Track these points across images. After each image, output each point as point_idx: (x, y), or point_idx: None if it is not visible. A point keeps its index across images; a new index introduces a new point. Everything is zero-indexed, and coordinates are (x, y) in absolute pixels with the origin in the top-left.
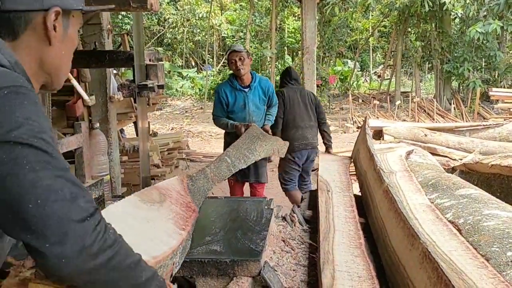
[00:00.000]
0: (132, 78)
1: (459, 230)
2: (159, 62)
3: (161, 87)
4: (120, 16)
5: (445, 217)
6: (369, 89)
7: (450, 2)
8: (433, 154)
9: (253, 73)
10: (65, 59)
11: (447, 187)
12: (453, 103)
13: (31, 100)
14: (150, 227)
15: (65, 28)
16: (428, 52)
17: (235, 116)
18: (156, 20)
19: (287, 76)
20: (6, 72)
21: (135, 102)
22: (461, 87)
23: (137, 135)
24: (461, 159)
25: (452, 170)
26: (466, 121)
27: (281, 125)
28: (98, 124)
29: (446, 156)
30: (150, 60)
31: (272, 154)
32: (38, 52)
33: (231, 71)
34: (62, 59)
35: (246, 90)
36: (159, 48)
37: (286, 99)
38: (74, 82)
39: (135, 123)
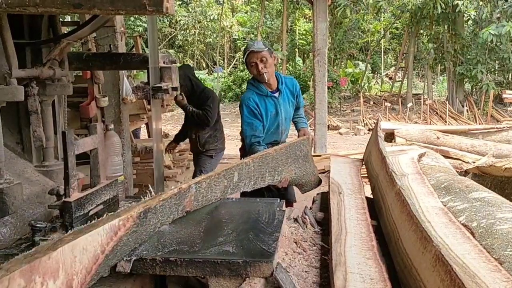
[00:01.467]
0: (145, 80)
1: (472, 234)
2: (173, 65)
3: (175, 89)
4: (132, 19)
5: (458, 220)
6: (380, 91)
7: (463, 4)
8: (445, 156)
9: (276, 73)
10: None
11: (460, 190)
12: (466, 106)
13: None
14: None
15: None
16: (441, 54)
17: (265, 131)
18: (168, 22)
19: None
20: None
21: (148, 104)
22: (474, 90)
23: (149, 136)
24: (474, 162)
25: (465, 173)
26: (479, 124)
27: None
28: (113, 126)
29: (459, 159)
30: (164, 63)
31: (291, 185)
32: None
33: (251, 76)
34: None
35: (276, 95)
36: (171, 50)
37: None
38: None
39: (147, 125)
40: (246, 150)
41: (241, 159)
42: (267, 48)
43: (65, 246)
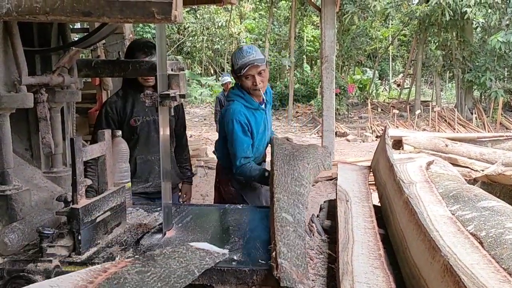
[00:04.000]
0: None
1: (481, 243)
2: (181, 72)
3: (182, 96)
4: (141, 25)
5: (467, 230)
6: (388, 98)
7: (471, 11)
8: (454, 164)
9: None
10: None
11: (468, 198)
12: (475, 113)
13: None
14: None
15: None
16: (449, 61)
17: (254, 149)
18: (176, 29)
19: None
20: None
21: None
22: (483, 97)
23: None
24: (483, 170)
25: (474, 181)
26: (488, 131)
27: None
28: (120, 132)
29: (467, 167)
30: (172, 70)
31: (319, 172)
32: None
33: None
34: None
35: (263, 107)
36: (179, 56)
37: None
38: None
39: None
40: (233, 171)
41: (217, 178)
42: (266, 61)
43: None
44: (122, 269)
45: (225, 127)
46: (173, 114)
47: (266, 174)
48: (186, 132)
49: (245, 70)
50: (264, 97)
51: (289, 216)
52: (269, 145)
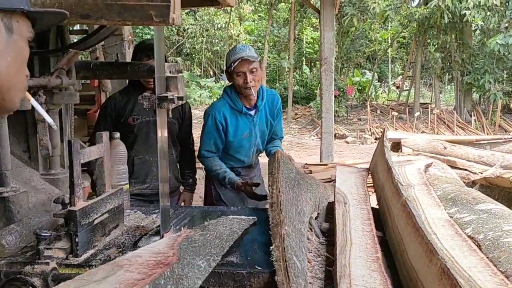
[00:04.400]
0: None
1: (478, 246)
2: (179, 74)
3: (180, 98)
4: (140, 27)
5: (465, 233)
6: (387, 100)
7: (470, 14)
8: (452, 167)
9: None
10: (13, 70)
11: (466, 201)
12: (474, 115)
13: None
14: None
15: (8, 31)
16: (448, 64)
17: (232, 150)
18: (176, 31)
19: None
20: None
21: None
22: (482, 99)
23: None
24: (481, 173)
25: (472, 183)
26: (487, 134)
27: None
28: (118, 134)
29: (466, 170)
30: (170, 72)
31: (312, 212)
32: None
33: (228, 85)
34: (8, 69)
35: (252, 113)
36: (178, 58)
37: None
38: (34, 102)
39: None
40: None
41: (207, 184)
42: (259, 58)
43: None
44: (190, 234)
45: (204, 117)
46: (171, 116)
47: (226, 180)
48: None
49: (235, 64)
50: (256, 101)
51: (297, 261)
52: (270, 157)
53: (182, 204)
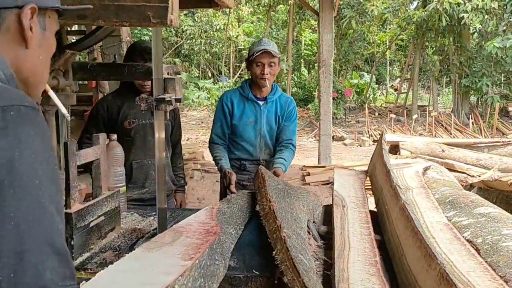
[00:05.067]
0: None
1: (477, 250)
2: (177, 76)
3: (178, 100)
4: (138, 27)
5: (463, 236)
6: (385, 102)
7: (468, 17)
8: (450, 170)
9: (274, 84)
10: (43, 66)
11: (465, 205)
12: (472, 118)
13: (39, 129)
14: (144, 275)
15: (42, 30)
16: (446, 66)
17: (238, 136)
18: (174, 32)
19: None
20: (5, 88)
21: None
22: (479, 102)
23: None
24: (479, 176)
25: (470, 187)
26: (485, 137)
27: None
28: (115, 136)
29: (464, 173)
30: (168, 74)
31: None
32: (13, 57)
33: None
34: (40, 66)
35: (261, 102)
36: (177, 59)
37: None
38: (52, 93)
39: None
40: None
41: (221, 186)
42: (280, 55)
43: None
44: (219, 206)
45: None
46: (168, 118)
47: (219, 166)
48: (183, 135)
49: (257, 54)
50: (268, 96)
51: (304, 259)
52: (254, 175)
53: (180, 205)
